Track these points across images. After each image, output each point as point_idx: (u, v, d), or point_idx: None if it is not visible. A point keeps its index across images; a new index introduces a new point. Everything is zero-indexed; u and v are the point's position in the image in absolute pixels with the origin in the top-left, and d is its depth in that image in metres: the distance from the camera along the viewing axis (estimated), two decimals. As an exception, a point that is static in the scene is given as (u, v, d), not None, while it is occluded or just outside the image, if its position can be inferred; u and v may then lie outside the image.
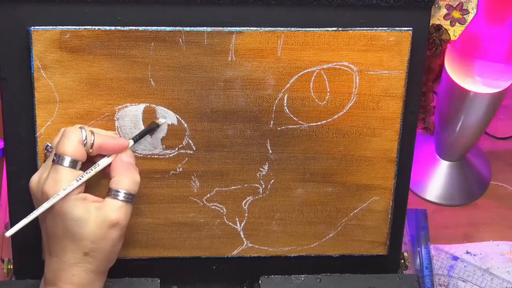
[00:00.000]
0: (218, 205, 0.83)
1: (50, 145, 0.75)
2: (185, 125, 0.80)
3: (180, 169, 0.81)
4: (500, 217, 1.09)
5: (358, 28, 0.78)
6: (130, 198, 0.73)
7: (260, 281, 0.84)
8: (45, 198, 0.70)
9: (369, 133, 0.82)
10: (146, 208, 0.82)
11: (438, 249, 1.03)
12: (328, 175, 0.83)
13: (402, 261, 0.88)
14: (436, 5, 0.81)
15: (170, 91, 0.79)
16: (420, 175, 1.11)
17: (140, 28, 0.76)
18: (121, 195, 0.72)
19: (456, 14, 0.82)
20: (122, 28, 0.76)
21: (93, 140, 0.73)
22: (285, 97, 0.80)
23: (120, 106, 0.79)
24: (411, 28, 0.78)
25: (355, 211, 0.84)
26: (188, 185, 0.82)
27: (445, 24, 0.82)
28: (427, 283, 0.98)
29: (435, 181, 1.11)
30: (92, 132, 0.73)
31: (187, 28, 0.77)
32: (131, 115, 0.79)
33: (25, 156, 0.80)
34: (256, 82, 0.79)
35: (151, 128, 0.79)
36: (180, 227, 0.84)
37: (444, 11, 0.81)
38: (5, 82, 0.78)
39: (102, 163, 0.74)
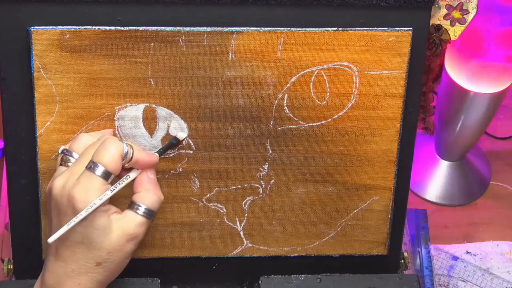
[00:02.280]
0: (218, 205, 0.83)
1: (66, 149, 0.75)
2: (185, 125, 0.80)
3: (180, 169, 0.81)
4: (500, 217, 1.09)
5: (358, 28, 0.78)
6: (151, 215, 0.73)
7: (260, 281, 0.84)
8: (72, 203, 0.69)
9: (369, 133, 0.82)
10: (146, 208, 0.82)
11: (438, 249, 1.04)
12: (328, 175, 0.83)
13: (402, 261, 0.88)
14: (436, 5, 0.81)
15: (170, 91, 0.79)
16: (420, 175, 1.11)
17: (140, 28, 0.76)
18: (143, 210, 0.72)
19: (456, 14, 0.82)
20: (122, 28, 0.76)
21: (132, 154, 0.73)
22: (285, 97, 0.80)
23: (120, 106, 0.79)
24: (411, 28, 0.78)
25: (355, 211, 0.84)
26: (188, 185, 0.82)
27: (445, 24, 0.82)
28: (427, 283, 0.98)
29: (435, 181, 1.11)
30: (131, 146, 0.73)
31: (187, 28, 0.77)
32: (131, 115, 0.79)
33: (25, 156, 0.80)
34: (256, 82, 0.79)
35: (172, 143, 0.79)
36: (180, 227, 0.84)
37: (444, 11, 0.81)
38: (5, 82, 0.78)
39: (132, 175, 0.74)
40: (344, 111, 0.81)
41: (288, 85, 0.79)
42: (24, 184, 0.81)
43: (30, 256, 0.83)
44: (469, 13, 0.82)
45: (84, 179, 0.70)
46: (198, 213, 0.83)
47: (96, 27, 0.76)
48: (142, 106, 0.79)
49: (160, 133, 0.80)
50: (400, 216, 0.86)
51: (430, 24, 0.80)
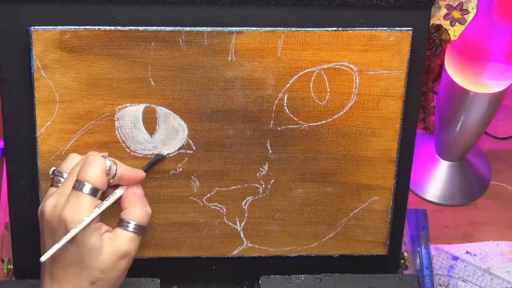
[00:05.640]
0: (218, 205, 0.83)
1: (56, 169, 0.74)
2: (185, 125, 0.80)
3: (180, 169, 0.81)
4: (500, 217, 1.09)
5: (358, 28, 0.78)
6: (141, 230, 0.73)
7: (260, 281, 0.84)
8: (63, 224, 0.69)
9: (369, 133, 0.82)
10: (146, 208, 0.82)
11: (438, 249, 1.04)
12: (328, 175, 0.83)
13: (402, 261, 0.88)
14: (436, 5, 0.81)
15: (170, 91, 0.79)
16: (420, 175, 1.11)
17: (140, 28, 0.76)
18: (133, 227, 0.72)
19: (456, 14, 0.82)
20: (122, 28, 0.76)
21: (116, 170, 0.73)
22: (285, 97, 0.80)
23: (120, 106, 0.79)
24: (411, 28, 0.78)
25: (355, 211, 0.84)
26: (188, 185, 0.82)
27: (445, 24, 0.82)
28: (427, 283, 0.98)
29: (435, 181, 1.11)
30: (115, 162, 0.73)
31: (187, 28, 0.77)
32: (131, 115, 0.79)
33: (25, 156, 0.80)
34: (256, 82, 0.79)
35: (157, 160, 0.80)
36: (180, 227, 0.84)
37: (444, 11, 0.81)
38: (5, 82, 0.78)
39: (119, 191, 0.74)
40: (344, 111, 0.81)
41: (288, 85, 0.79)
42: (24, 184, 0.81)
43: (30, 256, 0.83)
44: (469, 13, 0.82)
45: (73, 198, 0.70)
46: (198, 213, 0.83)
47: (96, 27, 0.76)
48: (142, 106, 0.79)
49: (160, 133, 0.80)
50: (400, 216, 0.86)
51: (430, 24, 0.80)
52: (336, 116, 0.81)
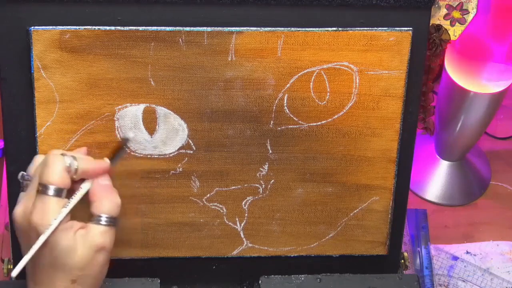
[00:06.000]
0: (218, 205, 0.83)
1: (26, 174, 0.74)
2: (185, 125, 0.80)
3: (180, 169, 0.81)
4: (500, 217, 1.09)
5: (358, 28, 0.78)
6: (113, 222, 0.72)
7: (260, 281, 0.84)
8: (34, 229, 0.69)
9: (369, 133, 0.82)
10: (146, 208, 0.82)
11: (438, 249, 1.04)
12: (328, 175, 0.83)
13: (402, 261, 0.88)
14: (436, 5, 0.81)
15: (170, 91, 0.79)
16: (420, 175, 1.11)
17: (140, 28, 0.76)
18: (104, 220, 0.72)
19: (456, 14, 0.82)
20: (122, 28, 0.76)
21: (77, 166, 0.72)
22: (285, 97, 0.80)
23: (120, 106, 0.79)
24: (411, 28, 0.78)
25: (355, 211, 0.84)
26: (188, 185, 0.82)
27: (445, 24, 0.82)
28: (427, 283, 0.98)
29: (435, 181, 1.11)
30: (75, 158, 0.72)
31: (187, 28, 0.77)
32: (131, 115, 0.79)
33: (25, 156, 0.80)
34: (256, 82, 0.79)
35: (120, 145, 0.78)
36: (180, 227, 0.84)
37: (444, 11, 0.81)
38: (5, 82, 0.78)
39: (84, 186, 0.73)
40: (344, 111, 0.81)
41: (288, 85, 0.79)
42: (24, 184, 0.81)
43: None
44: (469, 13, 0.82)
45: (38, 202, 0.70)
46: (198, 213, 0.83)
47: (96, 27, 0.76)
48: (142, 106, 0.79)
49: (160, 133, 0.80)
50: (400, 216, 0.86)
51: (430, 24, 0.80)
52: (336, 116, 0.81)
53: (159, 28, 0.76)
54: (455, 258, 1.03)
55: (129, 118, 0.79)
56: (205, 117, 0.80)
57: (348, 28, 0.78)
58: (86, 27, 0.76)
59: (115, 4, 0.76)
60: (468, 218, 1.08)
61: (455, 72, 0.98)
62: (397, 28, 0.78)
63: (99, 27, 0.76)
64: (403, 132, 0.82)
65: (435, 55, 0.82)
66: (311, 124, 0.81)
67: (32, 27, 0.75)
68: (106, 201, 0.73)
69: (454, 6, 0.81)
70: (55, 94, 0.78)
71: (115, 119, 0.79)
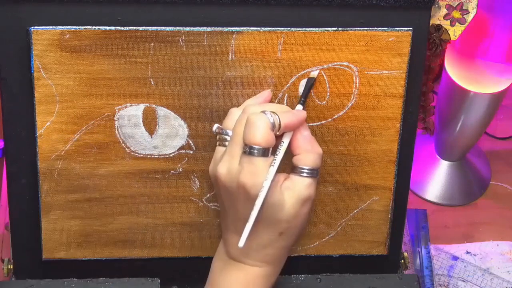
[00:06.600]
0: (218, 205, 0.83)
1: (220, 127, 0.75)
2: (185, 125, 0.80)
3: (180, 169, 0.81)
4: (500, 217, 1.09)
5: (358, 28, 0.78)
6: (316, 173, 0.74)
7: (260, 281, 0.84)
8: (242, 189, 0.70)
9: (369, 133, 0.82)
10: (146, 208, 0.82)
11: (438, 249, 1.04)
12: (328, 175, 0.83)
13: (402, 261, 0.88)
14: (436, 5, 0.81)
15: (170, 91, 0.79)
16: (420, 175, 1.11)
17: (140, 28, 0.76)
18: (307, 172, 0.73)
19: (456, 14, 0.82)
20: (122, 28, 0.76)
21: (279, 122, 0.72)
22: (285, 97, 0.80)
23: (120, 106, 0.79)
24: (411, 28, 0.78)
25: (355, 211, 0.84)
26: (188, 185, 0.82)
27: (445, 24, 0.82)
28: (427, 283, 0.98)
29: (435, 181, 1.11)
30: (276, 113, 0.72)
31: (187, 28, 0.77)
32: (131, 115, 0.79)
33: (25, 156, 0.80)
34: (256, 82, 0.79)
35: (310, 84, 0.78)
36: (180, 227, 0.84)
37: (444, 11, 0.81)
38: (5, 82, 0.78)
39: (286, 140, 0.74)
40: (344, 111, 0.81)
41: (288, 85, 0.79)
42: (24, 184, 0.81)
43: (30, 256, 0.83)
44: (469, 13, 0.82)
45: (246, 164, 0.70)
46: (198, 213, 0.83)
47: (96, 27, 0.76)
48: (142, 106, 0.79)
49: (160, 133, 0.80)
50: (400, 216, 0.86)
51: (430, 24, 0.80)
52: (336, 116, 0.81)
53: (159, 28, 0.76)
54: (455, 258, 1.03)
55: (129, 118, 0.79)
56: (205, 117, 0.80)
57: (348, 28, 0.78)
58: (86, 27, 0.76)
59: (115, 4, 0.76)
60: (468, 218, 1.08)
61: (455, 72, 0.98)
62: (397, 28, 0.78)
63: (99, 27, 0.76)
64: (403, 132, 0.82)
65: (435, 55, 0.82)
66: (311, 124, 0.81)
67: (32, 27, 0.75)
68: (310, 154, 0.74)
69: (454, 6, 0.81)
70: (55, 94, 0.78)
71: (115, 119, 0.79)
